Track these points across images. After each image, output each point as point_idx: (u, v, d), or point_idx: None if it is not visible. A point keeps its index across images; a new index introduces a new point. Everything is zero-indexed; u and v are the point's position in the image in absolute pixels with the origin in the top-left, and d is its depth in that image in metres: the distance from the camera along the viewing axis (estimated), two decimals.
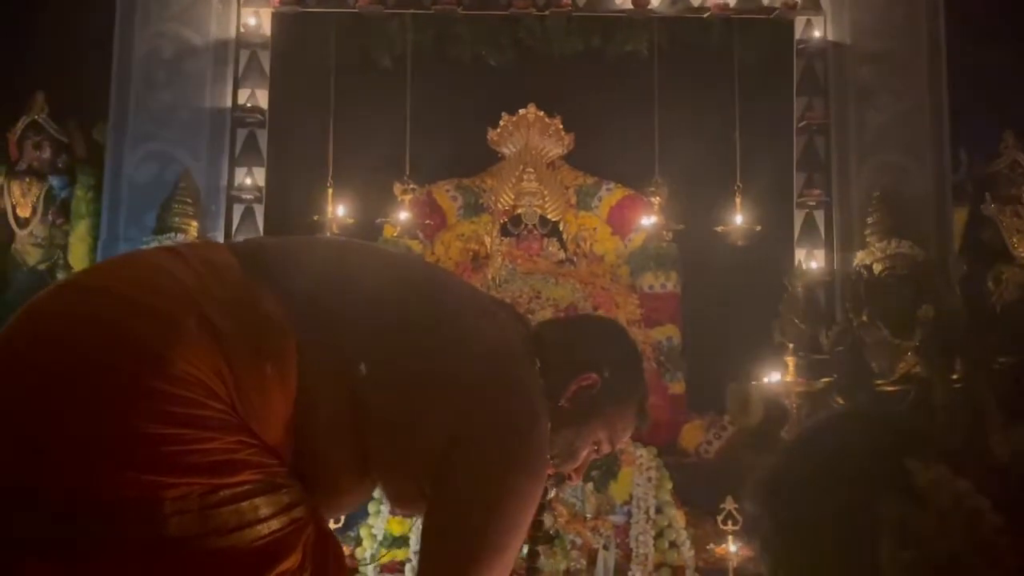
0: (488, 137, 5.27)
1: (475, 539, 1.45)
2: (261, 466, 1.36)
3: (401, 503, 1.63)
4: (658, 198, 4.98)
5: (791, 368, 4.16)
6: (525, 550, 1.71)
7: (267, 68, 5.01)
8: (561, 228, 5.24)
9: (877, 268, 4.57)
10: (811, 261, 4.90)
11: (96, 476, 1.28)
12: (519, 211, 5.21)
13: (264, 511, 1.34)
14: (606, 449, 1.68)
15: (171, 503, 1.28)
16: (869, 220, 4.74)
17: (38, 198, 5.00)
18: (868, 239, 4.70)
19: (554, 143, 5.28)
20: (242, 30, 5.01)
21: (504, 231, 5.17)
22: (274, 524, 1.34)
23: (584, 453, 1.66)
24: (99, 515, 1.27)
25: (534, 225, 5.21)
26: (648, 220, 4.98)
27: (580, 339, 1.68)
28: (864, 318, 4.50)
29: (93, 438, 1.29)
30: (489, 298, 1.98)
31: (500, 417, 1.46)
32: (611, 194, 5.30)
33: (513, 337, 1.57)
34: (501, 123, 5.24)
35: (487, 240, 5.15)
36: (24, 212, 5.00)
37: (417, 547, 1.55)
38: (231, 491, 1.32)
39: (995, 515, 0.94)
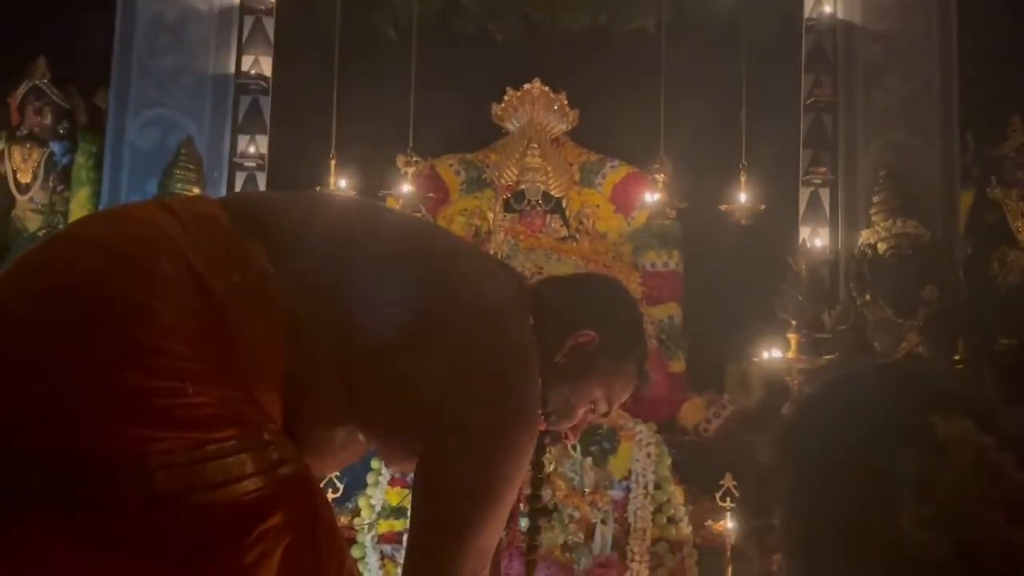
0: (492, 112, 5.24)
1: (466, 493, 1.44)
2: (249, 421, 1.35)
3: (393, 460, 1.62)
4: (662, 176, 4.96)
5: (793, 345, 4.16)
6: (526, 524, 1.70)
7: (271, 35, 4.98)
8: (564, 205, 5.22)
9: (881, 247, 4.55)
10: (815, 239, 4.89)
11: (82, 429, 1.27)
12: (522, 187, 5.19)
13: (250, 467, 1.32)
14: (603, 408, 1.66)
15: (158, 457, 1.26)
16: (875, 199, 4.72)
17: (39, 164, 4.98)
18: (873, 218, 4.68)
19: (559, 119, 5.25)
20: None
21: (507, 207, 5.14)
22: (260, 481, 1.32)
23: (581, 411, 1.65)
24: (85, 469, 1.26)
25: (537, 201, 5.19)
26: (652, 198, 4.95)
27: (578, 296, 1.67)
28: (867, 297, 4.49)
29: (79, 391, 1.28)
30: (485, 255, 1.96)
31: (488, 372, 1.45)
32: (615, 171, 5.28)
33: (507, 292, 1.56)
34: (506, 98, 5.21)
35: (490, 215, 5.12)
36: (25, 178, 4.98)
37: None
38: (217, 446, 1.30)
39: (1019, 472, 0.92)
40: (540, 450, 1.62)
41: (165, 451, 1.27)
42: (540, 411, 1.53)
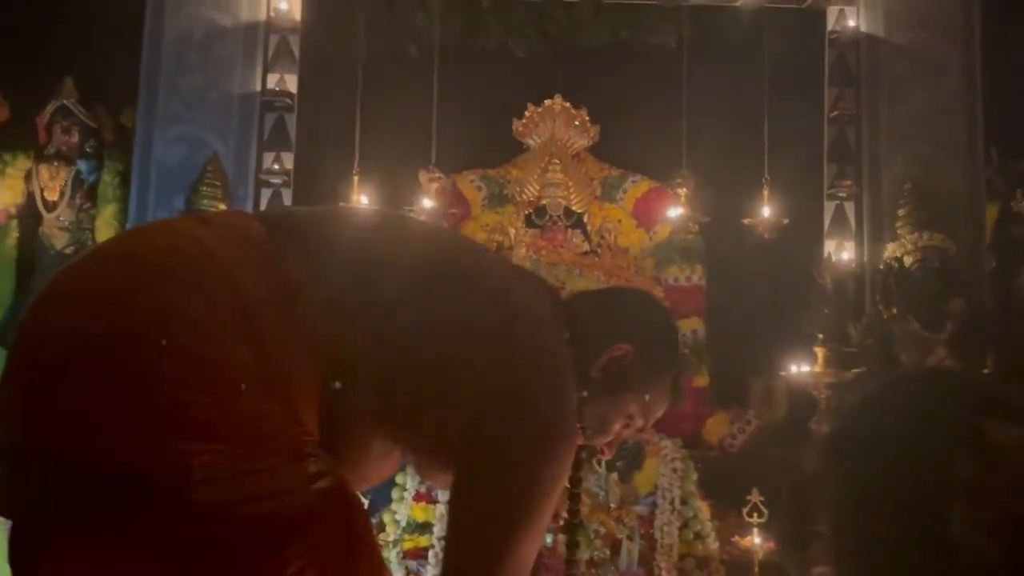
0: (514, 128, 5.26)
1: (503, 508, 1.43)
2: (288, 434, 1.34)
3: (429, 473, 1.61)
4: (684, 190, 4.95)
5: (821, 359, 4.14)
6: (552, 540, 1.69)
7: (297, 53, 5.03)
8: (586, 220, 5.22)
9: (908, 261, 4.54)
10: (841, 253, 4.87)
11: (124, 442, 1.27)
12: (544, 202, 5.19)
13: (290, 481, 1.31)
14: (639, 423, 1.65)
15: (199, 470, 1.26)
16: (900, 212, 4.71)
17: (66, 182, 5.02)
18: (899, 231, 4.67)
19: (580, 134, 5.26)
20: (272, 14, 5.03)
21: (529, 222, 5.15)
22: (299, 494, 1.32)
23: (616, 426, 1.63)
24: (127, 482, 1.26)
25: (559, 216, 5.19)
26: (674, 212, 4.95)
27: (613, 310, 1.66)
28: (894, 310, 4.47)
29: (120, 404, 1.28)
30: (518, 267, 1.96)
31: (525, 385, 1.44)
32: (636, 186, 5.28)
33: (542, 306, 1.55)
34: (527, 114, 5.23)
35: (511, 231, 5.13)
36: (52, 196, 5.03)
37: (441, 533, 1.53)
38: (257, 459, 1.30)
39: None
40: (577, 465, 1.61)
41: (205, 464, 1.27)
42: (577, 425, 1.53)
